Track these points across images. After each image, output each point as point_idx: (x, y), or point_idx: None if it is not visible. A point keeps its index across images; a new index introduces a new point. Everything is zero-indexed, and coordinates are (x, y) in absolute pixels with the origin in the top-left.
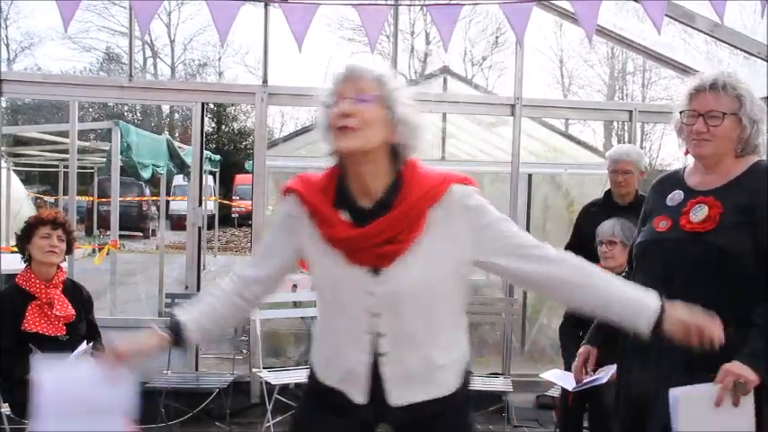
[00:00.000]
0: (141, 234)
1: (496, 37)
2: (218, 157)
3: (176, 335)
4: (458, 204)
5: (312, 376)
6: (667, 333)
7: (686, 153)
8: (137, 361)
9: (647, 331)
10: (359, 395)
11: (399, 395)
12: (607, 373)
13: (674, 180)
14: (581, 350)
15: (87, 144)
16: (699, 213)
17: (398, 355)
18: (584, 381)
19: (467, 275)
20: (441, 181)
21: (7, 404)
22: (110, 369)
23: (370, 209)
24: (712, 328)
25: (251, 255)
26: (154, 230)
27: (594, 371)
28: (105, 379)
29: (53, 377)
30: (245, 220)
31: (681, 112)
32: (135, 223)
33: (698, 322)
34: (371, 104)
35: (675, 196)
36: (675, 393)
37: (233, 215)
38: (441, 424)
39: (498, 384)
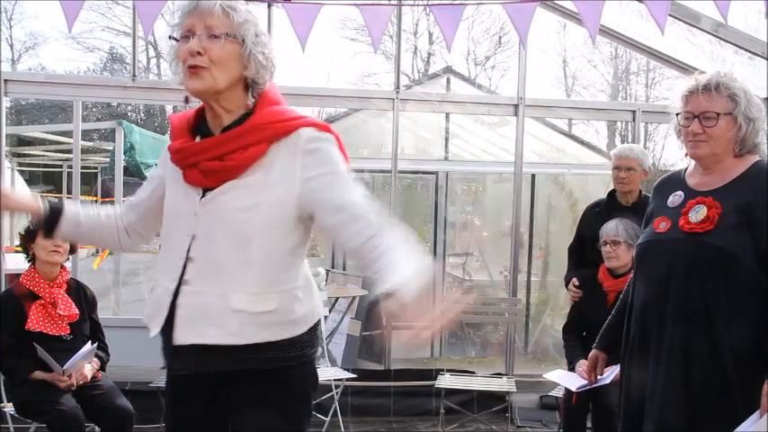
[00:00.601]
0: None
1: (500, 37)
2: None
3: (51, 218)
4: (302, 146)
5: None
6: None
7: (687, 155)
8: (6, 204)
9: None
10: (156, 326)
11: (184, 332)
12: (611, 373)
13: (675, 181)
14: (591, 353)
15: (91, 144)
16: (697, 214)
17: (199, 285)
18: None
19: (303, 226)
20: (292, 119)
21: (11, 403)
22: None
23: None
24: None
25: None
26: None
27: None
28: None
29: None
30: None
31: (677, 114)
32: None
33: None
34: (221, 41)
35: (676, 197)
36: None
37: None
38: (248, 392)
39: (501, 385)
